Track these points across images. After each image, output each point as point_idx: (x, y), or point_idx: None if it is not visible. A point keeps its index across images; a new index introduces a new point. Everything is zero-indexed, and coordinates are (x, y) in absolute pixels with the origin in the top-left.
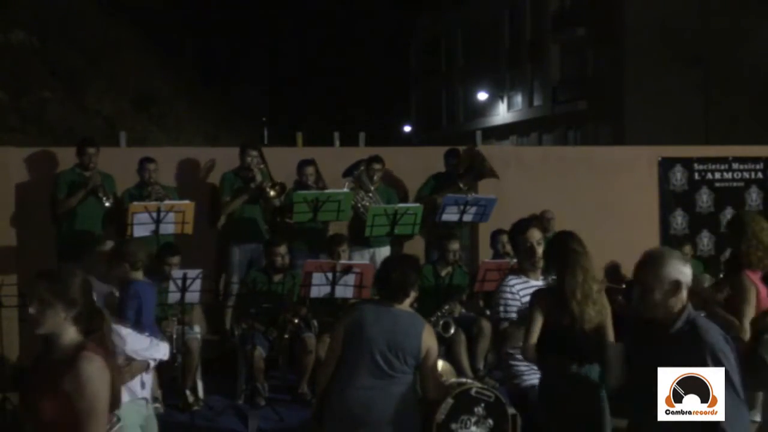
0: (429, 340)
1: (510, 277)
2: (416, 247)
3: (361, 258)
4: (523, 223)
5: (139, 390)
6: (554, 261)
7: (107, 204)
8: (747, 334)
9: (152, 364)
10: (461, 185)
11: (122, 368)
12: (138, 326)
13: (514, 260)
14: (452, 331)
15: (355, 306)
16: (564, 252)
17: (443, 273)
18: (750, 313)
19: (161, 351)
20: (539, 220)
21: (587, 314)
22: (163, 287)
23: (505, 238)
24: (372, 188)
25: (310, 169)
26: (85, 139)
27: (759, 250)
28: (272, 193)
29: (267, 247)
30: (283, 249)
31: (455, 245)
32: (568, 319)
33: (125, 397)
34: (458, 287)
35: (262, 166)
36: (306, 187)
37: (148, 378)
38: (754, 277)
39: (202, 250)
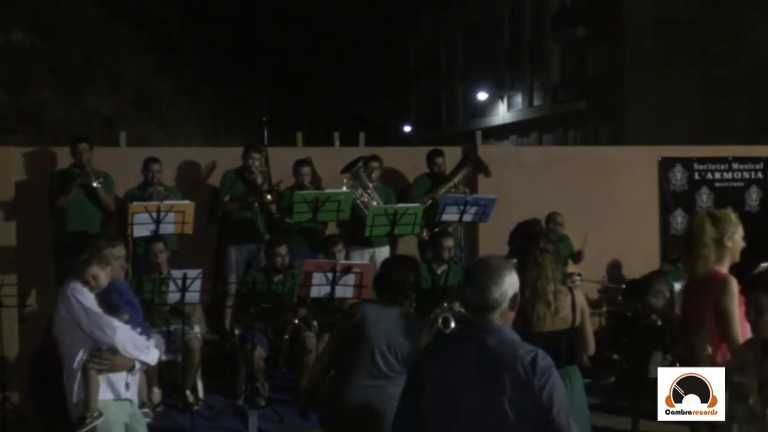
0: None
1: None
2: (411, 245)
3: (361, 258)
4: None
5: (123, 391)
6: (516, 255)
7: (95, 185)
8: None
9: (137, 366)
10: (454, 181)
11: (104, 358)
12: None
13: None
14: (452, 326)
15: (357, 305)
16: (523, 248)
17: (439, 271)
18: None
19: (150, 356)
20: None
21: (537, 315)
22: (151, 277)
23: None
24: (370, 185)
25: (306, 170)
26: (77, 137)
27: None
28: (268, 197)
29: (268, 247)
30: (283, 249)
31: (450, 242)
32: (519, 319)
33: (108, 395)
34: (455, 285)
35: (263, 168)
36: (302, 187)
37: (134, 380)
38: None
39: (202, 250)
